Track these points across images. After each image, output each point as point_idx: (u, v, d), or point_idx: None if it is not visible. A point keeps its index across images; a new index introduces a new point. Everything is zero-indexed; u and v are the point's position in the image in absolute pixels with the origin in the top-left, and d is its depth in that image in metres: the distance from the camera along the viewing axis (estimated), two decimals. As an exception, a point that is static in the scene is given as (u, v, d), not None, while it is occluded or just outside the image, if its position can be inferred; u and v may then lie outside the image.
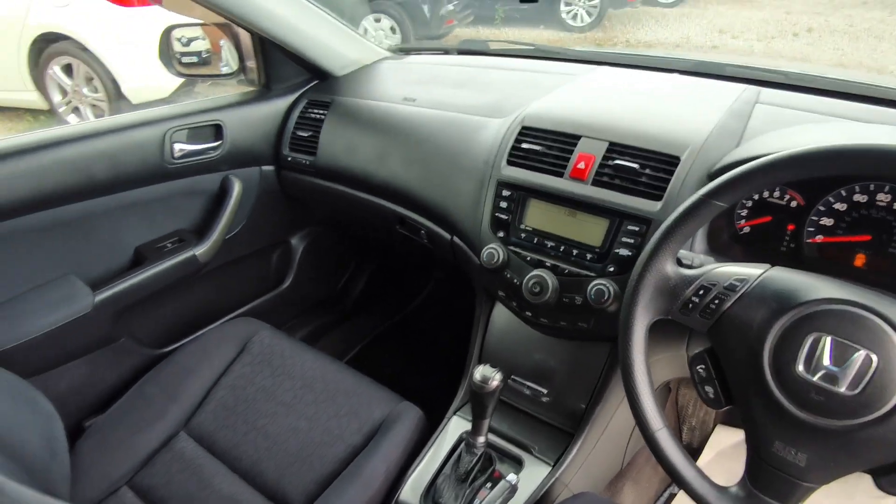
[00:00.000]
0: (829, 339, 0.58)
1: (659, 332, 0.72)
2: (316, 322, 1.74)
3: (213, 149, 1.35)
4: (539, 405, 1.08)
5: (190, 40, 1.43)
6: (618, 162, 0.94)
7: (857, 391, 0.57)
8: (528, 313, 1.02)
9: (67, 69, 3.87)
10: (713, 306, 0.65)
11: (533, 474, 1.00)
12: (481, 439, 0.98)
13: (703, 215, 0.67)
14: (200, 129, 1.32)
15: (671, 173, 0.90)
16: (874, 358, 0.56)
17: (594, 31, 6.76)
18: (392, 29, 5.68)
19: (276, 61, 1.42)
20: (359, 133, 1.32)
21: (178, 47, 1.40)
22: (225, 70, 1.45)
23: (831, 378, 0.58)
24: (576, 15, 6.82)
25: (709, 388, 0.67)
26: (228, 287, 1.51)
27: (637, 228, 0.90)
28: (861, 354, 0.57)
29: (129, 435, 1.14)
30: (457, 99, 1.26)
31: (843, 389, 0.57)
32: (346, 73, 1.48)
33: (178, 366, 1.25)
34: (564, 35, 6.74)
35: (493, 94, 1.24)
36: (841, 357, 0.58)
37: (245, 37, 1.38)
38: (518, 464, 1.02)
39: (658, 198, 0.90)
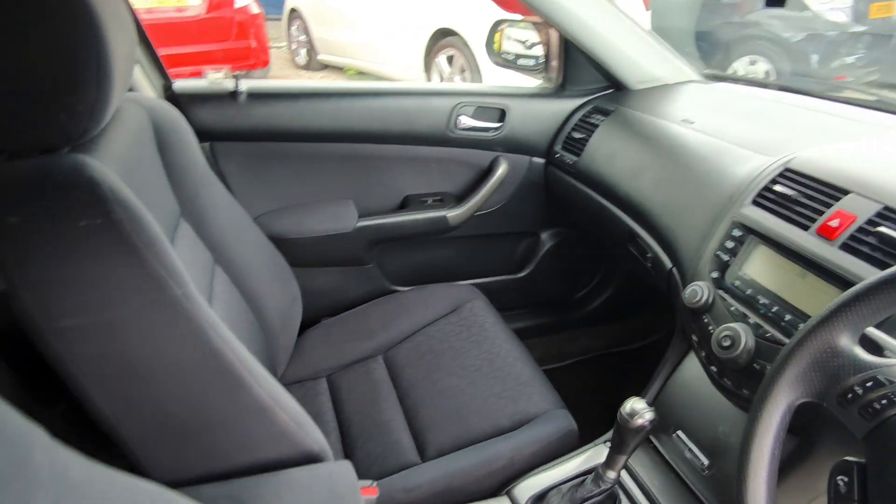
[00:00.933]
0: None
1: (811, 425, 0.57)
2: (539, 320, 1.77)
3: (494, 129, 1.48)
4: (694, 473, 0.94)
5: (532, 45, 1.58)
6: (884, 230, 0.76)
7: None
8: (714, 368, 0.89)
9: (449, 60, 4.56)
10: (877, 406, 0.49)
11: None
12: (612, 474, 0.91)
13: None
14: (486, 109, 1.46)
15: None
16: None
17: None
18: (767, 73, 5.19)
19: (577, 65, 1.48)
20: (624, 143, 1.30)
21: (515, 48, 1.57)
22: (532, 65, 1.58)
23: None
24: None
25: (846, 510, 0.52)
26: (469, 257, 1.65)
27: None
28: None
29: (344, 340, 1.36)
30: (736, 130, 1.14)
31: None
32: (642, 87, 1.46)
33: (401, 304, 1.43)
34: None
35: (780, 133, 1.09)
36: None
37: (554, 37, 1.47)
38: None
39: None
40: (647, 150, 1.24)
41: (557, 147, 1.48)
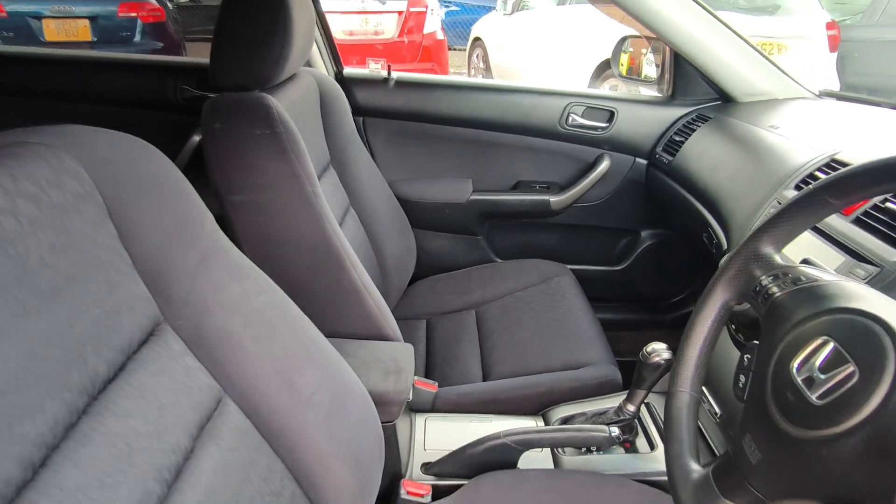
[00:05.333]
0: (832, 344, 0.53)
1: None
2: (630, 315, 1.88)
3: (602, 129, 1.66)
4: (708, 420, 1.05)
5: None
6: (891, 205, 0.84)
7: (823, 402, 0.51)
8: (732, 325, 1.00)
9: (614, 89, 4.71)
10: (771, 292, 0.63)
11: (648, 461, 1.01)
12: (631, 407, 1.05)
13: (813, 209, 0.64)
14: (596, 110, 1.65)
15: None
16: (856, 376, 0.49)
17: None
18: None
19: (687, 77, 1.61)
20: (713, 143, 1.42)
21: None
22: (648, 78, 1.74)
23: (810, 382, 0.53)
24: None
25: (742, 377, 0.65)
26: (571, 244, 1.83)
27: (858, 269, 0.81)
28: (848, 368, 0.50)
29: (446, 293, 1.62)
30: (814, 134, 1.22)
31: (813, 397, 0.52)
32: (750, 100, 1.55)
33: (499, 272, 1.66)
34: None
35: (851, 136, 1.16)
36: (831, 365, 0.52)
37: (668, 52, 1.62)
38: (651, 447, 1.04)
39: (907, 249, 0.78)
40: (730, 148, 1.35)
41: (659, 149, 1.62)
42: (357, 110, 1.61)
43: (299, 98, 1.22)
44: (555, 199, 1.69)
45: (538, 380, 1.22)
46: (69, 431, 0.51)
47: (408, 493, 0.97)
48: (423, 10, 5.30)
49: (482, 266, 1.71)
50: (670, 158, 1.55)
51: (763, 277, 0.66)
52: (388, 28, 5.22)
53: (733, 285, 0.70)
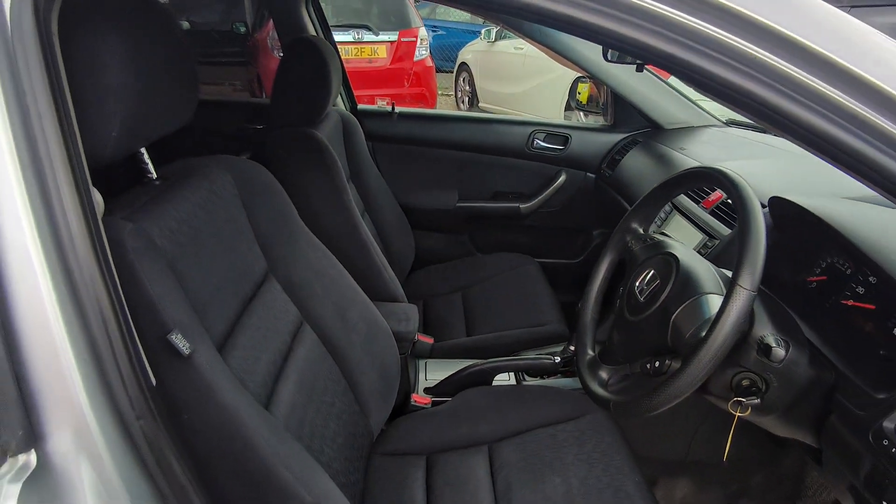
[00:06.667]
0: (653, 271, 0.97)
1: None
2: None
3: (559, 150, 2.12)
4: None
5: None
6: (730, 201, 1.30)
7: (645, 301, 0.95)
8: None
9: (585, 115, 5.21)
10: (633, 249, 1.08)
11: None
12: (571, 347, 1.49)
13: (657, 201, 1.09)
14: (554, 135, 2.11)
15: None
16: (659, 285, 0.94)
17: None
18: None
19: (624, 110, 2.08)
20: (639, 161, 1.88)
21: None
22: (597, 111, 2.21)
23: (641, 291, 0.97)
24: None
25: (619, 301, 1.09)
26: (538, 243, 2.27)
27: (709, 242, 1.27)
28: (657, 281, 0.95)
29: (438, 281, 2.06)
30: (707, 153, 1.68)
31: (641, 299, 0.96)
32: (672, 128, 2.01)
33: (480, 263, 2.11)
34: None
35: (730, 156, 1.62)
36: (650, 282, 0.96)
37: (609, 91, 2.09)
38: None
39: (733, 227, 1.24)
40: (650, 164, 1.81)
41: (603, 165, 2.08)
42: (367, 136, 2.06)
43: (332, 131, 1.67)
44: (524, 206, 2.14)
45: (508, 333, 1.66)
46: (238, 320, 0.94)
47: (415, 401, 1.40)
48: (413, 40, 5.80)
49: (466, 259, 2.15)
50: (611, 173, 2.00)
51: (631, 241, 1.11)
52: (382, 57, 5.70)
53: (616, 248, 1.15)
